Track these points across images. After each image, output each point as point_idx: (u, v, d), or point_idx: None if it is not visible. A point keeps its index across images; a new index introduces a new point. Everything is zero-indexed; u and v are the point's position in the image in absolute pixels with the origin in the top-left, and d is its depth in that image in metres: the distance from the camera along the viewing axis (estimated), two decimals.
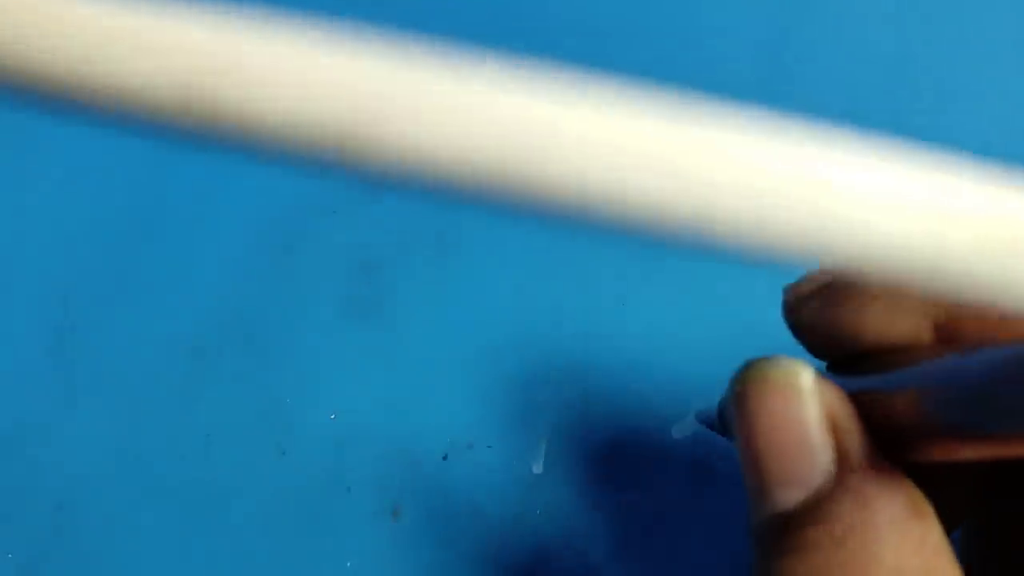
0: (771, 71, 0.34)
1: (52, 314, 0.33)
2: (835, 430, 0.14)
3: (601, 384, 0.30)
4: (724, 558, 0.29)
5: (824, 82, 0.34)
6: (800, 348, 0.18)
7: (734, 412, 0.15)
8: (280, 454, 0.31)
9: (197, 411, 0.31)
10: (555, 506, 0.29)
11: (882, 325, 0.15)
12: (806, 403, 0.14)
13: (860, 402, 0.15)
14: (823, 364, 0.18)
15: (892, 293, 0.15)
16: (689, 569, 0.29)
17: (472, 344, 0.31)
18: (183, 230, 0.33)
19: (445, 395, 0.31)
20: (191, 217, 0.34)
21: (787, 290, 0.18)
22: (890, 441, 0.14)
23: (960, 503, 0.17)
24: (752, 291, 0.30)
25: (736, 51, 0.34)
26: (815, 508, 0.13)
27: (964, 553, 0.17)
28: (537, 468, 0.29)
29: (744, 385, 0.15)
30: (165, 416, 0.31)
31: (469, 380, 0.31)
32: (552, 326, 0.31)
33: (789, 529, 0.14)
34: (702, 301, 0.31)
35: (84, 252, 0.34)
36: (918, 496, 0.14)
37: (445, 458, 0.30)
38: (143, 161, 0.34)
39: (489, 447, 0.30)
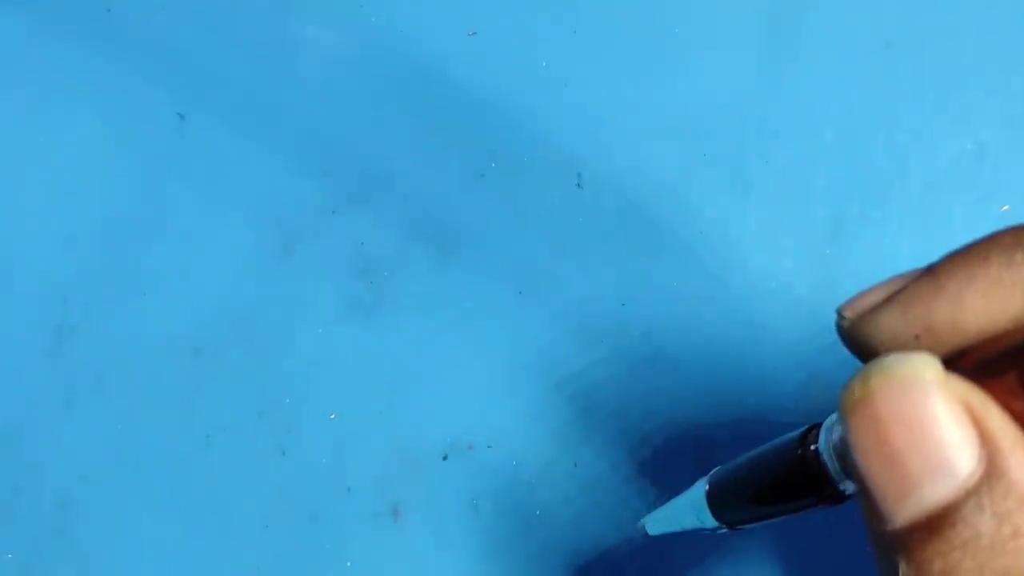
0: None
1: (52, 314, 0.33)
2: (974, 417, 0.14)
3: (601, 384, 0.30)
4: (727, 561, 0.29)
5: None
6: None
7: (855, 422, 0.14)
8: (280, 454, 0.31)
9: (197, 411, 0.31)
10: (555, 506, 0.29)
11: (986, 310, 0.15)
12: (939, 394, 0.14)
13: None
14: None
15: (997, 268, 0.15)
16: (692, 571, 0.29)
17: (472, 344, 0.31)
18: (183, 230, 0.33)
19: (445, 395, 0.31)
20: (191, 217, 0.34)
21: (844, 308, 0.17)
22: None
23: None
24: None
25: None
26: (972, 496, 0.13)
27: None
28: (536, 469, 0.29)
29: (867, 389, 0.14)
30: (165, 416, 0.31)
31: (468, 380, 0.30)
32: (552, 326, 0.31)
33: (945, 524, 0.13)
34: (702, 303, 0.31)
35: (84, 252, 0.34)
36: None
37: (445, 458, 0.30)
38: (144, 161, 0.34)
39: (489, 447, 0.30)
